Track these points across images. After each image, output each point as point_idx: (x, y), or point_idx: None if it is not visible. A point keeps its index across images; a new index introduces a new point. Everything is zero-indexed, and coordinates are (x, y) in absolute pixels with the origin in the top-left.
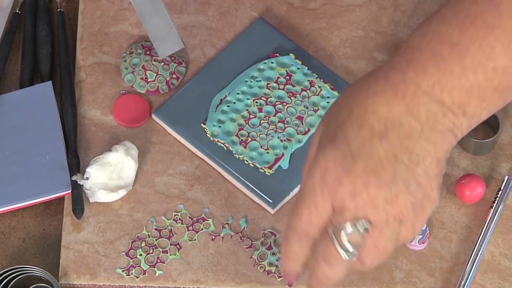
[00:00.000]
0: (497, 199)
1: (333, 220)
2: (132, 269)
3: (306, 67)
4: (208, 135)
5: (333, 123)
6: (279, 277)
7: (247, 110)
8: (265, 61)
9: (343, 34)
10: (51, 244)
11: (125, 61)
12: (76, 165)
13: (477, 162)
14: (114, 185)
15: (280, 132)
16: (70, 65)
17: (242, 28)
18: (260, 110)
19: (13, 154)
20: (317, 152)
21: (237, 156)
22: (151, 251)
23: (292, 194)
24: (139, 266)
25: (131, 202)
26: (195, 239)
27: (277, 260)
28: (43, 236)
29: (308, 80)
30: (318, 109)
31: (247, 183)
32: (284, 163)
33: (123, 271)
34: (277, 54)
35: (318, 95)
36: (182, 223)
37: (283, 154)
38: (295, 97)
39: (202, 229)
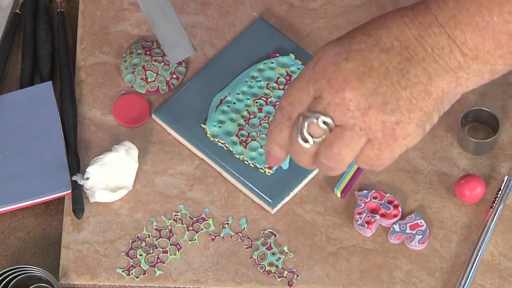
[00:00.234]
0: (497, 199)
1: (308, 107)
2: (132, 269)
3: None
4: (208, 135)
5: (355, 28)
6: (279, 277)
7: (247, 110)
8: (265, 61)
9: (343, 34)
10: (51, 244)
11: (125, 61)
12: (76, 165)
13: (477, 162)
14: (114, 185)
15: None
16: (70, 65)
17: (242, 28)
18: (260, 110)
19: (13, 154)
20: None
21: (237, 156)
22: (151, 251)
23: (292, 194)
24: (139, 266)
25: (131, 202)
26: (195, 239)
27: (277, 260)
28: (43, 236)
29: None
30: None
31: (247, 183)
32: (284, 163)
33: (123, 271)
34: (277, 54)
35: None
36: (182, 223)
37: None
38: None
39: (202, 229)
